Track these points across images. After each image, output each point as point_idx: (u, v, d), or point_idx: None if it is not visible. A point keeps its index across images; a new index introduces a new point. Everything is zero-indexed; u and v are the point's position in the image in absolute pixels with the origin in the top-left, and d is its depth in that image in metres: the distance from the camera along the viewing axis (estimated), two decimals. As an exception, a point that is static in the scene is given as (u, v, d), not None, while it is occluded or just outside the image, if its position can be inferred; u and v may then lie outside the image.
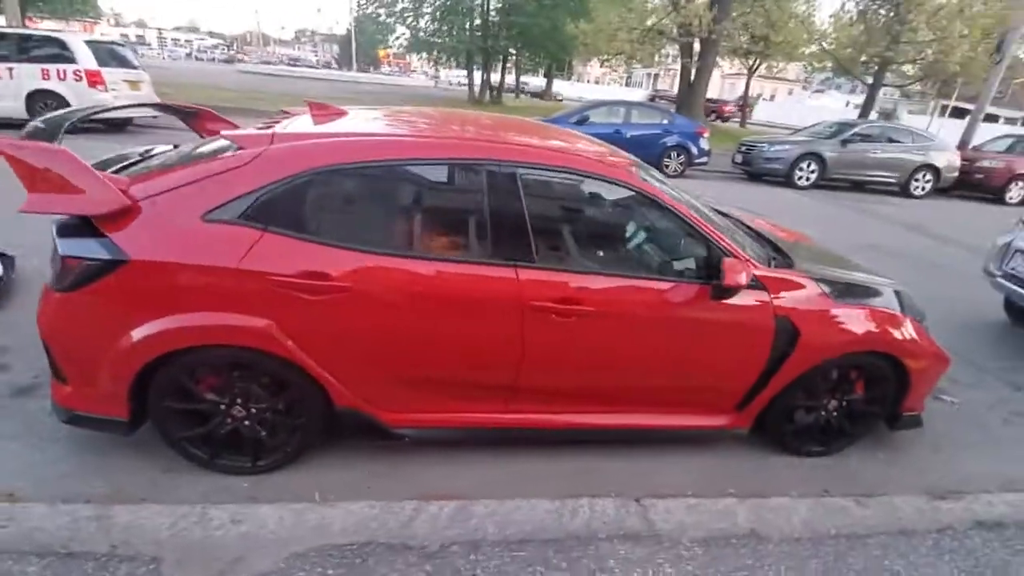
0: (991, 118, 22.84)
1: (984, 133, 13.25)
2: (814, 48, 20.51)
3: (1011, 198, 10.75)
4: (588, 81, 59.93)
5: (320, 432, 2.10)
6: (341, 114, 2.33)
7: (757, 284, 2.13)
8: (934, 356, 2.47)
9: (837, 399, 2.45)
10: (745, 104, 26.45)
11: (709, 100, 23.89)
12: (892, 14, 16.64)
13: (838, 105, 40.86)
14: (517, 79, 33.21)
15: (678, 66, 23.01)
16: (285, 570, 1.66)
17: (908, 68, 19.79)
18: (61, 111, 2.14)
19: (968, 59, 14.60)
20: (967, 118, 13.88)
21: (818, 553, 1.95)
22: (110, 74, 8.07)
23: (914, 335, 2.41)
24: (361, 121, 2.23)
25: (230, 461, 2.07)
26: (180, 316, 1.77)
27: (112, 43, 8.59)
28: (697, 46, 18.11)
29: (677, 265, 2.13)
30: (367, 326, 1.89)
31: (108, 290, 1.73)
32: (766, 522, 2.06)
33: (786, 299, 2.19)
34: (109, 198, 1.72)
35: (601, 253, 2.28)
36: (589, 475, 2.27)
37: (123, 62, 8.54)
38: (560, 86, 38.61)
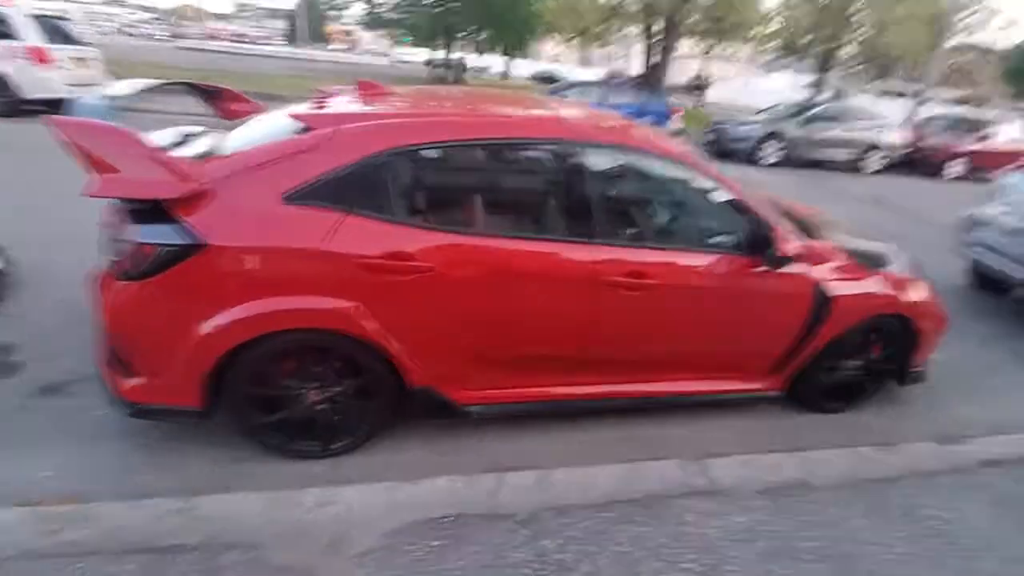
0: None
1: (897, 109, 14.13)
2: (768, 29, 21.20)
3: (950, 174, 11.59)
4: (545, 60, 59.62)
5: (392, 413, 2.12)
6: (389, 93, 2.30)
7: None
8: (939, 317, 2.72)
9: (857, 359, 2.66)
10: (701, 84, 27.03)
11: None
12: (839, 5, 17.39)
13: (788, 85, 42.42)
14: (479, 57, 32.62)
15: (636, 46, 23.33)
16: (390, 545, 1.70)
17: (852, 50, 20.79)
18: (123, 87, 2.02)
19: (911, 43, 15.51)
20: (914, 100, 14.71)
21: (860, 496, 2.15)
22: (57, 51, 7.43)
23: (923, 297, 2.64)
24: (419, 100, 2.21)
25: (305, 446, 2.06)
26: (266, 301, 1.74)
27: (56, 16, 7.88)
28: (658, 27, 18.41)
29: (727, 239, 2.25)
30: (446, 306, 1.92)
31: (187, 276, 1.68)
32: (812, 473, 2.24)
33: (820, 269, 2.36)
34: (183, 182, 1.66)
35: (660, 229, 2.37)
36: (647, 441, 2.39)
37: (69, 38, 7.87)
38: (518, 66, 38.22)
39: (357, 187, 1.80)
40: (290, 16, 55.00)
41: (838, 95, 21.88)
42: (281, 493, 1.85)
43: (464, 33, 23.88)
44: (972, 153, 11.51)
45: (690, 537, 1.85)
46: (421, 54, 24.22)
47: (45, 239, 3.73)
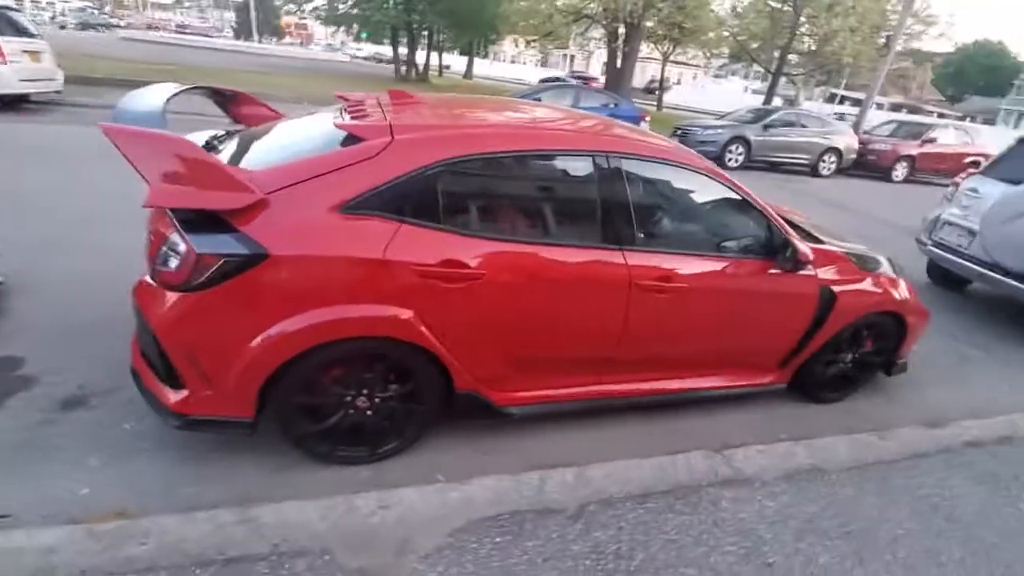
0: (860, 102, 25.95)
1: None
2: (724, 36, 22.02)
3: (897, 176, 12.43)
4: (504, 60, 59.86)
5: (436, 417, 2.16)
6: (422, 102, 2.35)
7: (806, 258, 2.47)
8: (922, 312, 2.98)
9: (853, 353, 2.89)
10: (661, 88, 27.85)
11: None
12: (791, 10, 18.28)
13: (738, 89, 44.25)
14: (440, 57, 32.42)
15: (596, 48, 23.76)
16: (456, 544, 1.76)
17: (797, 58, 21.87)
18: (158, 90, 1.99)
19: (858, 51, 16.49)
20: (861, 106, 15.62)
21: (867, 477, 2.35)
22: (7, 44, 6.97)
23: (908, 295, 2.89)
24: (456, 110, 2.26)
25: (352, 452, 2.08)
26: (326, 310, 1.76)
27: (6, 7, 7.37)
28: (621, 31, 18.83)
29: (745, 243, 2.41)
30: (496, 311, 1.99)
31: (247, 287, 1.69)
32: (821, 458, 2.43)
33: (825, 271, 2.56)
34: (242, 192, 1.66)
35: (686, 235, 2.50)
36: (668, 434, 2.53)
37: (21, 30, 7.39)
38: (478, 65, 38.19)
39: (412, 197, 1.84)
40: (241, 7, 52.94)
41: (789, 101, 23.06)
42: (337, 499, 1.87)
43: (427, 32, 23.74)
44: (915, 156, 12.37)
45: (727, 523, 1.99)
46: (375, 50, 23.75)
47: (27, 243, 3.56)
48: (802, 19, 18.17)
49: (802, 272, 2.45)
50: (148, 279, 1.83)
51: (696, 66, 47.48)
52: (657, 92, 28.25)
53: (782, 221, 2.47)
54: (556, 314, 2.09)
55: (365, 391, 2.00)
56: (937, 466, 2.49)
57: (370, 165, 1.81)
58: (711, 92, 40.82)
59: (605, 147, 2.11)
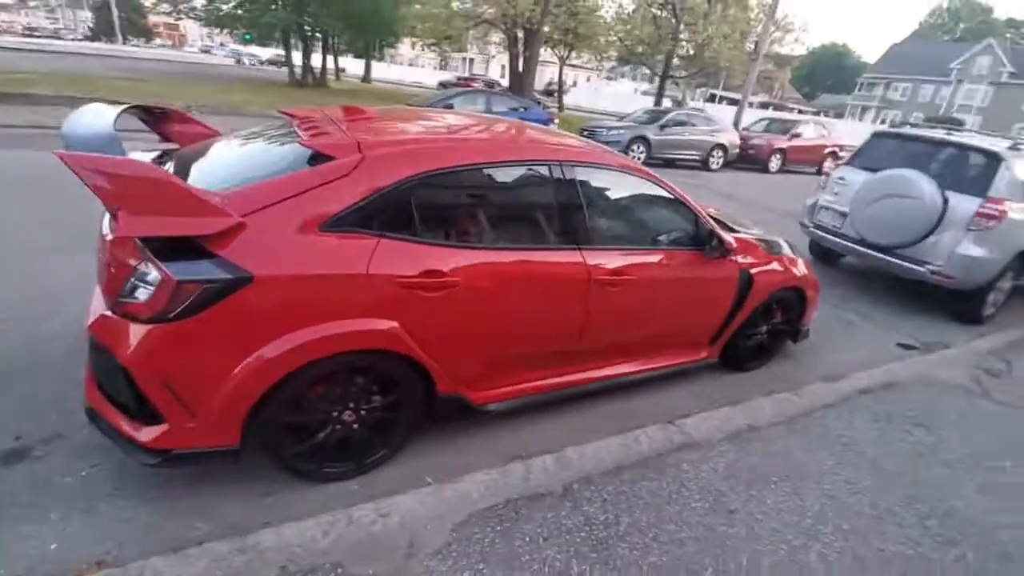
0: (736, 102, 28.95)
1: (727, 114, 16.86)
2: (613, 41, 23.43)
3: (773, 168, 14.02)
4: (402, 63, 58.95)
5: (419, 423, 2.23)
6: (375, 117, 2.40)
7: (728, 245, 2.84)
8: (816, 286, 3.51)
9: (767, 326, 3.34)
10: (560, 90, 28.98)
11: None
12: (673, 19, 19.93)
13: (629, 90, 47.12)
14: (336, 60, 31.23)
15: (497, 52, 24.23)
16: (460, 538, 1.85)
17: (679, 62, 23.89)
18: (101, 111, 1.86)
19: (732, 56, 18.36)
20: (738, 105, 17.38)
21: (793, 429, 2.76)
22: None
23: (806, 272, 3.40)
24: (415, 124, 2.34)
25: (339, 467, 2.10)
26: (314, 328, 1.77)
27: None
28: (521, 35, 19.42)
29: (678, 236, 2.71)
30: (471, 315, 2.10)
31: (231, 312, 1.66)
32: (754, 418, 2.81)
33: (743, 256, 2.95)
34: (218, 216, 1.64)
35: (629, 231, 2.75)
36: (623, 414, 2.78)
37: None
38: (376, 68, 37.25)
39: (387, 212, 1.91)
40: (100, 7, 47.26)
41: (677, 102, 25.07)
42: (336, 513, 1.89)
43: (320, 34, 22.81)
44: (786, 149, 14.04)
45: (691, 482, 2.27)
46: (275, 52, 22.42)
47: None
48: (682, 26, 19.83)
49: (726, 258, 2.81)
50: (109, 313, 1.74)
51: (590, 69, 50.04)
52: (557, 94, 29.38)
53: (706, 215, 2.82)
54: (526, 312, 2.24)
55: (351, 405, 2.03)
56: (842, 413, 2.98)
57: (345, 183, 1.85)
58: (605, 93, 43.00)
59: (560, 156, 2.31)
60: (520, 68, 20.05)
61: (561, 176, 2.29)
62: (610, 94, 41.92)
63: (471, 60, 59.11)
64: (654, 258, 2.61)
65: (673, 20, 20.23)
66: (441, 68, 55.63)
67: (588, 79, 55.74)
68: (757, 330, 3.31)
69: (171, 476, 2.05)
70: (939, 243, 4.42)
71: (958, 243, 4.33)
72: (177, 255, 1.62)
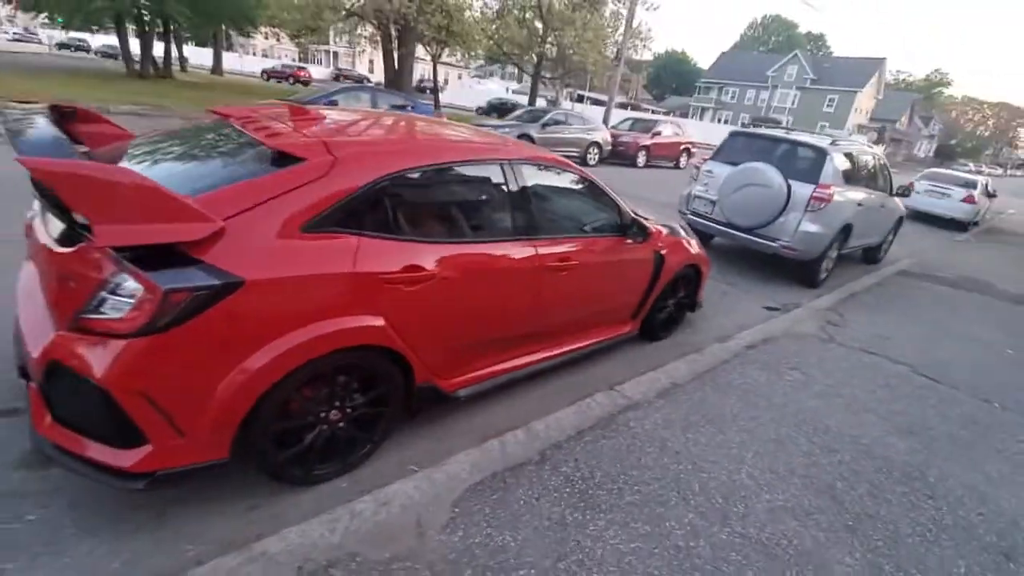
0: (599, 102, 31.36)
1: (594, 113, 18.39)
2: (486, 40, 23.97)
3: (640, 163, 15.51)
4: (254, 54, 54.30)
5: (397, 414, 2.31)
6: (323, 116, 2.40)
7: (644, 231, 3.28)
8: (707, 262, 4.14)
9: (674, 299, 3.88)
10: (436, 88, 28.94)
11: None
12: (541, 24, 20.99)
13: (500, 89, 48.35)
14: (180, 50, 27.84)
15: (365, 47, 23.50)
16: (462, 512, 2.00)
17: (549, 63, 25.26)
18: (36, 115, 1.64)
19: (596, 60, 19.85)
20: (605, 106, 18.85)
21: (704, 382, 3.28)
22: None
23: (700, 250, 3.99)
24: (366, 124, 2.38)
25: (326, 469, 2.11)
26: (305, 328, 1.79)
27: None
28: (394, 32, 19.06)
29: (604, 224, 3.07)
30: (443, 305, 2.23)
31: (219, 319, 1.63)
32: (673, 378, 3.29)
33: (656, 239, 3.41)
34: (202, 221, 1.61)
35: (567, 221, 3.02)
36: (577, 385, 3.09)
37: None
38: (226, 59, 34.05)
39: (364, 210, 1.97)
40: None
41: (552, 101, 26.43)
42: (337, 510, 1.92)
43: (161, 20, 20.25)
44: (650, 146, 15.61)
45: (639, 435, 2.63)
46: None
47: None
48: (549, 30, 20.96)
49: (645, 242, 3.24)
50: (68, 332, 1.60)
51: (459, 67, 50.44)
52: (433, 92, 29.28)
53: (627, 206, 3.22)
54: (490, 300, 2.43)
55: (337, 404, 2.05)
56: (736, 366, 3.59)
57: (321, 184, 1.88)
58: (477, 91, 43.64)
59: (511, 155, 2.52)
60: (396, 65, 19.68)
61: (513, 173, 2.50)
62: (483, 92, 42.68)
63: (335, 54, 56.34)
64: (590, 245, 2.93)
65: (540, 24, 21.30)
66: (301, 61, 52.22)
67: (460, 77, 56.17)
68: (666, 304, 3.82)
69: (134, 507, 1.91)
70: (786, 223, 5.40)
71: (799, 222, 5.33)
72: (158, 263, 1.55)
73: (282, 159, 1.90)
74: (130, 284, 1.54)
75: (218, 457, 1.77)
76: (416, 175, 2.16)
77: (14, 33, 42.07)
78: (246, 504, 1.99)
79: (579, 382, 3.16)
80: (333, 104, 9.81)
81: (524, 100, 25.75)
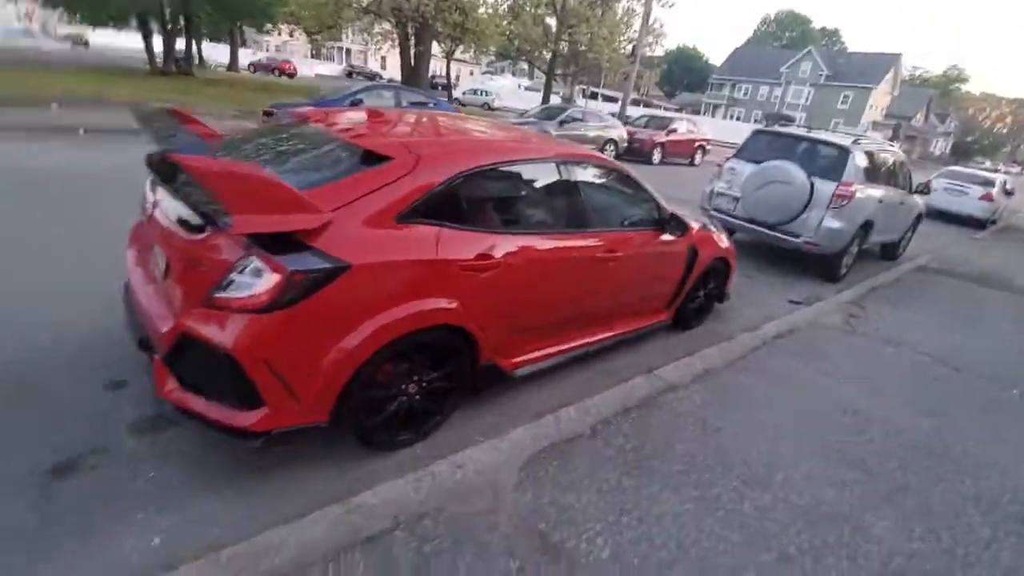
0: (611, 99, 31.55)
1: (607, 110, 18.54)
2: (502, 37, 24.16)
3: (655, 160, 15.62)
4: (267, 50, 54.79)
5: (464, 390, 2.52)
6: (391, 119, 2.63)
7: (680, 225, 3.47)
8: (734, 255, 4.32)
9: (705, 290, 4.07)
10: (450, 84, 29.19)
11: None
12: (556, 21, 21.14)
13: (512, 85, 48.46)
14: (199, 46, 28.23)
15: (381, 45, 23.78)
16: (529, 476, 2.22)
17: (563, 60, 25.41)
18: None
19: (611, 57, 19.97)
20: (620, 103, 18.97)
21: (735, 368, 3.48)
22: None
23: (729, 244, 4.18)
24: (434, 125, 2.62)
25: (406, 436, 2.34)
26: (398, 308, 2.01)
27: None
28: (411, 30, 19.29)
29: (646, 218, 3.27)
30: (508, 291, 2.44)
31: (330, 298, 1.86)
32: (707, 363, 3.49)
33: (690, 233, 3.60)
34: (316, 212, 1.83)
35: (613, 215, 3.22)
36: (617, 370, 3.30)
37: None
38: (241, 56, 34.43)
39: (444, 204, 2.19)
40: None
41: (567, 99, 26.59)
42: (418, 472, 2.14)
43: (184, 17, 20.62)
44: (665, 143, 15.72)
45: (681, 414, 2.84)
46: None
47: None
48: (565, 27, 21.09)
49: (682, 236, 3.44)
50: (199, 309, 1.83)
51: (472, 63, 50.60)
52: (441, 87, 29.52)
53: (663, 202, 3.41)
54: (546, 286, 2.64)
55: (415, 378, 2.28)
56: (766, 353, 3.78)
57: (409, 180, 2.10)
58: (489, 86, 43.78)
59: (566, 154, 2.73)
60: (412, 62, 19.91)
61: (568, 170, 2.71)
62: (495, 88, 42.83)
63: (348, 51, 56.70)
64: (633, 237, 3.14)
65: (556, 22, 21.43)
66: (313, 57, 52.66)
67: (471, 73, 56.32)
68: (698, 294, 4.01)
69: (238, 469, 2.15)
70: (809, 219, 5.55)
71: (822, 218, 5.49)
72: (281, 249, 1.78)
73: (371, 158, 2.13)
74: (258, 266, 1.76)
75: (321, 419, 2.00)
76: (486, 172, 2.37)
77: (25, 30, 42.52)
78: (337, 466, 2.22)
79: (619, 366, 3.37)
80: (358, 102, 10.04)
81: (537, 97, 25.89)
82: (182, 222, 1.96)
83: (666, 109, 40.47)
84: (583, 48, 22.06)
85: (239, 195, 1.68)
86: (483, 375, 2.55)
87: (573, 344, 3.02)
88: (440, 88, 30.60)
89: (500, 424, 2.60)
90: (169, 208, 2.04)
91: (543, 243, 2.58)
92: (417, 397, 2.32)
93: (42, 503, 1.86)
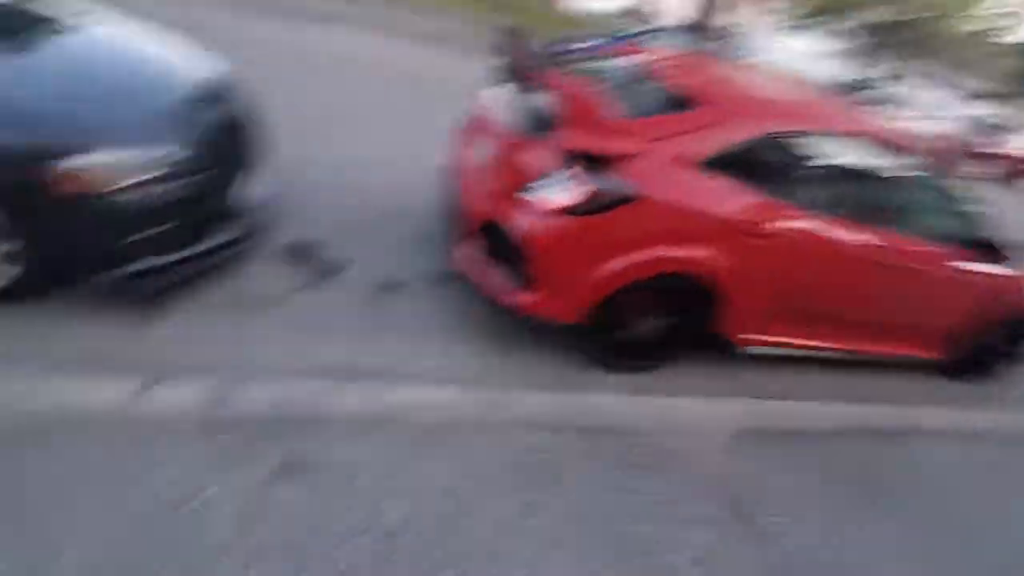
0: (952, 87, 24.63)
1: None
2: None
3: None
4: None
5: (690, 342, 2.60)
6: (704, 67, 2.64)
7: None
8: None
9: (996, 342, 3.28)
10: (736, 38, 26.38)
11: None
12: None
13: (820, 50, 41.38)
14: None
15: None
16: (737, 445, 2.28)
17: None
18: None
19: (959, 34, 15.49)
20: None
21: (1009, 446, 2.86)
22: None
23: None
24: (756, 80, 2.58)
25: (638, 363, 2.53)
26: (668, 248, 2.16)
27: None
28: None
29: (947, 232, 2.76)
30: (770, 265, 2.36)
31: (616, 220, 2.08)
32: (974, 424, 2.95)
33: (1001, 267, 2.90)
34: (629, 141, 2.02)
35: (910, 216, 2.75)
36: (854, 387, 2.99)
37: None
38: None
39: (742, 162, 2.19)
40: None
41: (897, 78, 21.81)
42: (636, 398, 2.36)
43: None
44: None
45: (927, 457, 2.53)
46: None
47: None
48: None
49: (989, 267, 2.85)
50: (515, 203, 2.22)
51: (782, 20, 44.41)
52: (728, 39, 26.71)
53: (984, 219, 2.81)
54: (808, 273, 2.48)
55: (657, 316, 2.42)
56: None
57: (715, 131, 2.15)
58: (793, 50, 38.08)
59: (886, 136, 2.45)
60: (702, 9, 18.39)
61: (882, 155, 2.44)
62: (798, 52, 36.67)
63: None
64: (927, 249, 2.70)
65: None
66: None
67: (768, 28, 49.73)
68: (985, 344, 3.29)
69: (491, 339, 2.47)
70: None
71: None
72: (595, 168, 2.03)
73: (686, 102, 2.22)
74: (568, 178, 2.06)
75: (570, 320, 2.30)
76: (789, 139, 2.28)
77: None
78: (578, 366, 2.45)
79: (859, 384, 3.03)
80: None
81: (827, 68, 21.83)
82: (518, 125, 2.34)
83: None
84: (920, 16, 17.58)
85: (580, 115, 1.96)
86: (718, 338, 2.55)
87: (819, 343, 2.81)
88: (726, 39, 27.90)
89: (708, 387, 2.61)
90: (508, 111, 2.45)
91: (828, 227, 2.40)
92: (654, 332, 2.47)
93: (363, 307, 2.45)
